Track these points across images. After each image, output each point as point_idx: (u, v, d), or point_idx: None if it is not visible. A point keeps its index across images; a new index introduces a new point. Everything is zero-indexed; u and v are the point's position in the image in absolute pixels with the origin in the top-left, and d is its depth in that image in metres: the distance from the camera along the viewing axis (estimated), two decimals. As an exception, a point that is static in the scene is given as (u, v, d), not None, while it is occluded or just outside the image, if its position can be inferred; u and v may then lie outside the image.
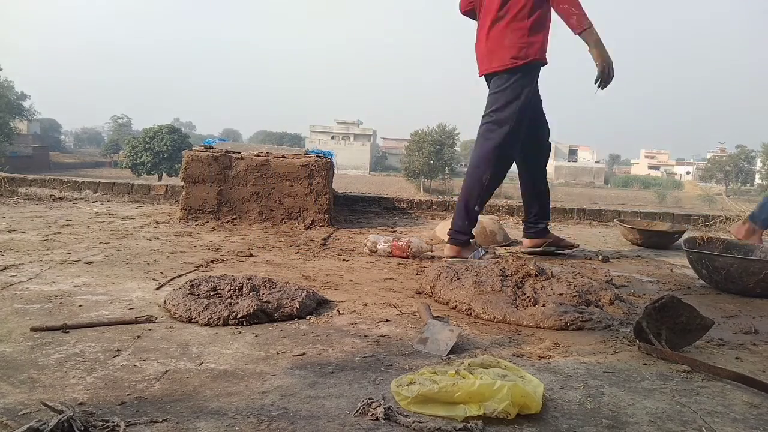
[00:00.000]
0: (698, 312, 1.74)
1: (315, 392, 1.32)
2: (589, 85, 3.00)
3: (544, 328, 1.90)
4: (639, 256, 3.50)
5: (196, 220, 3.83)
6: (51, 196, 4.93)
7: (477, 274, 2.23)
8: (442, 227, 3.78)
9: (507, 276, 2.22)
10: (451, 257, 3.01)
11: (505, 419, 1.19)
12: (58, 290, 2.07)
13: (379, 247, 3.03)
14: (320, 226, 3.85)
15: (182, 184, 3.95)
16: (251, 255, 2.87)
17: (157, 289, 2.16)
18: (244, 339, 1.67)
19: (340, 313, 1.96)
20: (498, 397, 1.19)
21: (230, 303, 1.85)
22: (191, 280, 2.04)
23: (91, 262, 2.54)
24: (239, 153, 3.98)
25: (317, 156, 4.09)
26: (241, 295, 1.93)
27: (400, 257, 2.99)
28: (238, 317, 1.79)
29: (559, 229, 4.65)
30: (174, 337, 1.66)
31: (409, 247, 3.01)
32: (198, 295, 1.92)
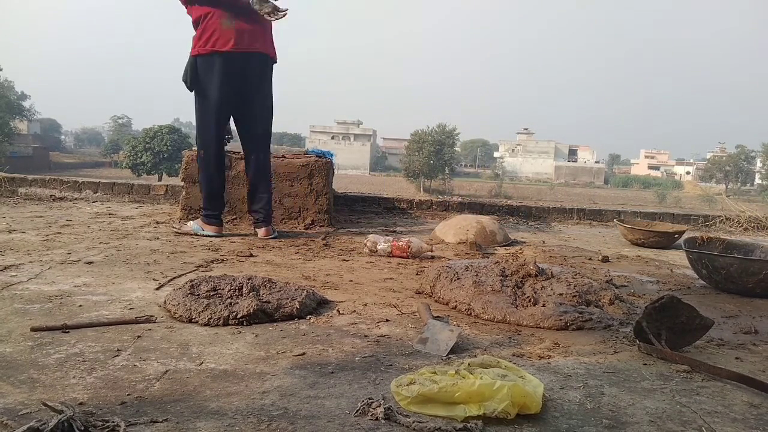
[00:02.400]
0: (698, 312, 1.74)
1: (315, 392, 1.32)
2: None
3: (544, 328, 1.90)
4: (639, 256, 3.50)
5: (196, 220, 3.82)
6: (51, 196, 4.93)
7: (477, 274, 2.23)
8: (442, 227, 3.78)
9: (507, 276, 2.22)
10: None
11: (505, 419, 1.19)
12: (58, 290, 2.07)
13: (379, 247, 3.03)
14: (320, 226, 3.85)
15: (182, 184, 3.95)
16: (251, 255, 2.87)
17: (157, 289, 2.16)
18: (244, 339, 1.67)
19: (340, 313, 1.96)
20: (498, 397, 1.19)
21: (230, 303, 1.85)
22: (191, 280, 2.04)
23: (91, 262, 2.54)
24: (239, 153, 3.98)
25: (317, 156, 4.09)
26: (241, 295, 1.93)
27: (400, 257, 2.99)
28: (238, 317, 1.79)
29: (558, 229, 4.66)
30: (174, 337, 1.66)
31: (409, 247, 3.01)
32: (198, 295, 1.92)
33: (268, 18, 3.26)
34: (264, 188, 3.48)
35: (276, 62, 3.51)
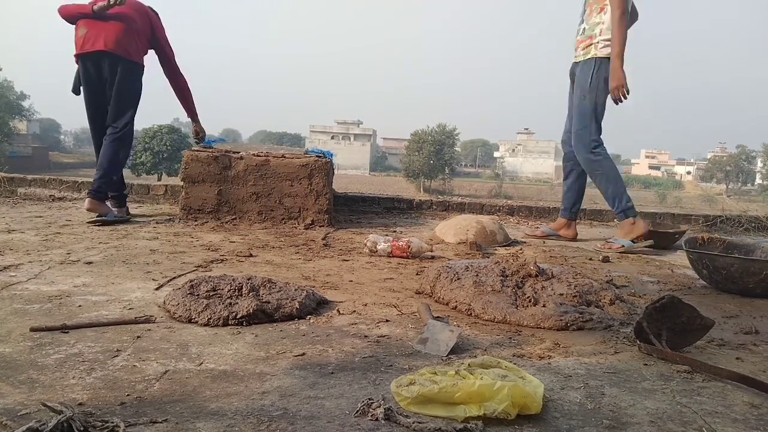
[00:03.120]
0: (699, 312, 1.73)
1: (315, 392, 1.31)
2: None
3: (544, 328, 1.90)
4: (639, 256, 3.50)
5: (195, 220, 3.83)
6: (50, 196, 4.93)
7: (477, 274, 2.23)
8: (442, 227, 3.78)
9: (507, 276, 2.22)
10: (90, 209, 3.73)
11: (505, 420, 1.19)
12: (58, 290, 2.07)
13: (379, 247, 3.03)
14: (320, 226, 3.84)
15: (182, 184, 3.95)
16: (251, 255, 2.87)
17: (157, 289, 2.16)
18: (244, 339, 1.66)
19: (340, 313, 1.95)
20: (498, 397, 1.19)
21: (230, 303, 1.85)
22: (191, 281, 2.04)
23: (91, 262, 2.54)
24: (239, 153, 3.98)
25: (317, 156, 4.09)
26: (241, 295, 1.93)
27: (400, 257, 2.99)
28: (237, 317, 1.79)
29: (559, 229, 4.64)
30: (173, 337, 1.65)
31: (409, 247, 3.01)
32: (198, 295, 1.92)
33: (110, 8, 3.72)
34: (101, 167, 3.84)
35: (134, 62, 3.89)
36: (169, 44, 4.12)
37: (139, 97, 4.00)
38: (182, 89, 4.21)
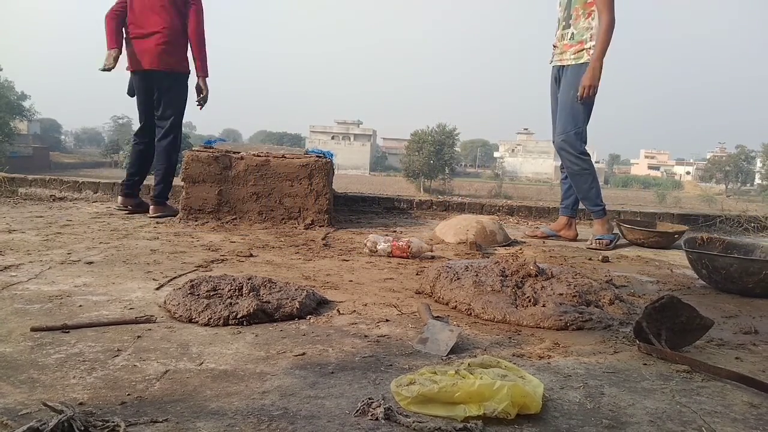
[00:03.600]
0: (698, 312, 1.74)
1: (315, 392, 1.32)
2: None
3: (544, 328, 1.90)
4: (639, 256, 3.50)
5: (196, 220, 3.83)
6: (51, 196, 4.93)
7: (477, 274, 2.23)
8: (442, 227, 3.78)
9: (507, 276, 2.22)
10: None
11: (505, 419, 1.19)
12: (58, 290, 2.07)
13: (379, 247, 3.03)
14: (320, 226, 3.85)
15: (182, 184, 3.95)
16: (251, 255, 2.87)
17: (157, 289, 2.16)
18: (244, 339, 1.67)
19: (340, 313, 1.96)
20: (498, 397, 1.19)
21: (230, 303, 1.85)
22: (191, 280, 2.04)
23: (91, 262, 2.54)
24: (239, 153, 3.98)
25: (317, 156, 4.09)
26: (241, 295, 1.93)
27: (400, 257, 2.99)
28: (238, 317, 1.79)
29: (559, 229, 4.64)
30: (174, 337, 1.66)
31: (409, 247, 3.01)
32: (198, 295, 1.92)
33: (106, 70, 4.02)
34: (159, 172, 4.22)
35: (179, 73, 4.13)
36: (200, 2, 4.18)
37: (186, 102, 4.25)
38: (199, 38, 4.13)
